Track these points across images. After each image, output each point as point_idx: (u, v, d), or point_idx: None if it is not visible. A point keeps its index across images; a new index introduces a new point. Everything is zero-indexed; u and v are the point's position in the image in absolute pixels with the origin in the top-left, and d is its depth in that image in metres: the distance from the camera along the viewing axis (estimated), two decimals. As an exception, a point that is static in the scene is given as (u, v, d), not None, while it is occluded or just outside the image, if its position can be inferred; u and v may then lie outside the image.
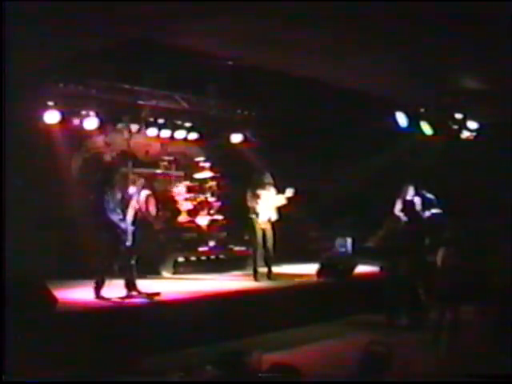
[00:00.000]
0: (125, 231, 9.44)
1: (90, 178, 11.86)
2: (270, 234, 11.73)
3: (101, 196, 9.44)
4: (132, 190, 9.86)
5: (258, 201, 11.59)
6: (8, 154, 8.10)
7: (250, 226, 11.77)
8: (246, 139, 15.10)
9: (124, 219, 9.50)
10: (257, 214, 11.60)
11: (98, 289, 9.31)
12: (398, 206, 12.95)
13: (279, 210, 11.87)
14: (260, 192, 11.63)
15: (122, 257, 9.52)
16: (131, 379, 7.32)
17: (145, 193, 11.81)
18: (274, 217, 11.79)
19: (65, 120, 11.80)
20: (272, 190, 11.80)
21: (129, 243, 9.49)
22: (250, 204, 11.62)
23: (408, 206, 11.64)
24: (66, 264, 11.20)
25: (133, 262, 9.60)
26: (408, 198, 12.94)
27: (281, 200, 11.79)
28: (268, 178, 11.82)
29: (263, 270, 11.96)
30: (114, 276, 9.58)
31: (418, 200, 12.96)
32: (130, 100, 12.56)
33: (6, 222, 7.82)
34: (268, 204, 11.67)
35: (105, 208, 9.34)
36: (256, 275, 11.77)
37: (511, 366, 7.52)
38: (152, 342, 8.17)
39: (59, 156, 11.84)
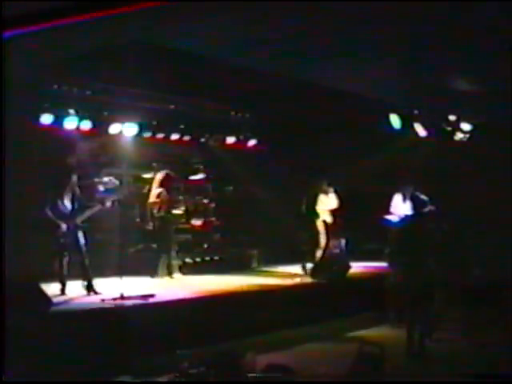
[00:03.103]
0: (64, 230, 9.57)
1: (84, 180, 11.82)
2: (324, 234, 13.25)
3: (49, 196, 9.74)
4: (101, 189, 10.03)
5: (318, 205, 13.20)
6: (4, 156, 8.10)
7: (310, 228, 13.33)
8: (240, 141, 15.14)
9: (68, 219, 9.63)
10: (315, 217, 13.22)
11: (61, 287, 9.62)
12: (395, 203, 13.03)
13: (332, 212, 13.32)
14: (319, 197, 13.21)
15: (72, 256, 9.72)
16: (126, 380, 7.34)
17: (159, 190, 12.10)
18: (329, 219, 13.29)
19: (59, 122, 11.80)
20: (329, 196, 13.30)
21: (78, 243, 9.69)
22: (309, 208, 13.22)
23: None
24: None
25: (86, 261, 9.75)
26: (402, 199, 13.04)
27: (334, 204, 13.29)
28: (325, 185, 13.26)
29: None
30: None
31: (409, 201, 13.02)
32: (124, 102, 12.56)
33: (1, 224, 7.82)
34: (325, 208, 13.24)
35: (50, 208, 9.58)
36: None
37: (511, 365, 7.61)
38: (146, 343, 8.16)
39: (54, 158, 11.82)
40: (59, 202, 9.74)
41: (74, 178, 10.06)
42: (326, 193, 13.30)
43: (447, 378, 7.60)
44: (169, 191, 12.38)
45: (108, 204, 10.18)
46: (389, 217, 13.00)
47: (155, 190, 12.24)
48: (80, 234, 9.76)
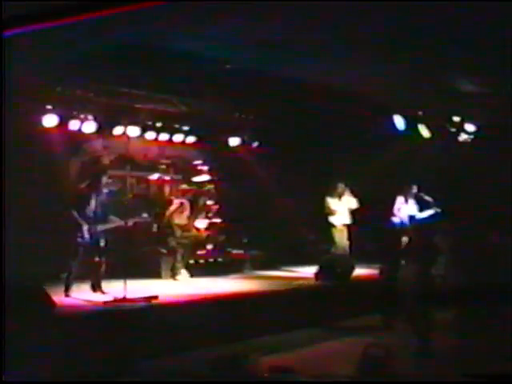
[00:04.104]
0: (85, 230, 9.68)
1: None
2: (345, 236, 13.47)
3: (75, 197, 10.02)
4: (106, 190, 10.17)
5: (335, 207, 13.42)
6: (5, 158, 8.08)
7: (329, 229, 13.60)
8: (243, 142, 15.11)
9: (91, 223, 9.74)
10: (334, 219, 13.44)
11: (66, 288, 9.64)
12: (397, 205, 12.99)
13: (353, 214, 13.58)
14: (336, 199, 13.43)
15: (84, 256, 9.82)
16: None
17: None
18: (348, 221, 13.54)
19: (63, 124, 11.78)
20: (346, 197, 13.49)
21: (98, 244, 9.85)
22: (328, 210, 13.45)
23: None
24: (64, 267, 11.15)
25: (96, 260, 9.88)
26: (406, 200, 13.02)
27: (354, 204, 13.49)
28: (342, 187, 13.46)
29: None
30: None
31: (413, 203, 12.99)
32: (128, 103, 12.54)
33: (4, 226, 7.81)
34: (343, 210, 13.45)
35: (77, 210, 9.73)
36: None
37: (511, 366, 7.59)
38: (149, 345, 8.14)
39: (57, 160, 11.80)
40: (85, 205, 9.85)
41: (104, 181, 10.25)
42: (340, 195, 13.39)
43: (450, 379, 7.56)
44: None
45: (130, 224, 10.36)
46: (392, 218, 12.95)
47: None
48: (100, 238, 9.93)
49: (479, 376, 6.91)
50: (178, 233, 12.40)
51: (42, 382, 6.93)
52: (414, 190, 13.21)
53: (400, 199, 13.22)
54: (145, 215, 11.42)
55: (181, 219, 12.45)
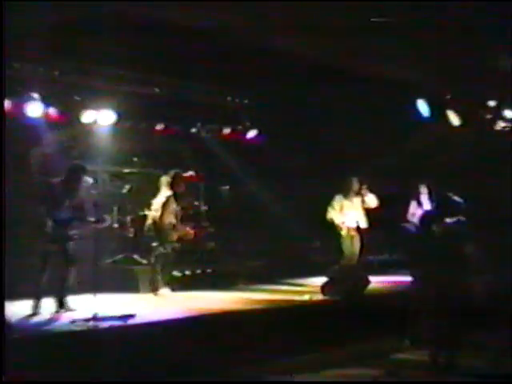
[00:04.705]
0: (53, 234, 9.64)
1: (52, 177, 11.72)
2: (357, 242, 13.26)
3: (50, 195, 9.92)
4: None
5: (346, 208, 13.18)
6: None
7: (337, 233, 13.27)
8: (238, 132, 15.06)
9: (60, 220, 9.71)
10: (345, 222, 13.18)
11: (36, 305, 9.56)
12: (412, 210, 12.96)
13: (368, 215, 13.28)
14: (347, 199, 13.19)
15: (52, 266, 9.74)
16: None
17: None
18: (363, 224, 13.27)
19: (20, 107, 11.66)
20: (360, 197, 13.24)
21: (66, 253, 9.80)
22: (337, 212, 13.17)
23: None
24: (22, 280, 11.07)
25: (70, 276, 9.86)
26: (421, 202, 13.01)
27: (373, 202, 13.25)
28: (355, 185, 13.17)
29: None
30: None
31: (430, 204, 12.96)
32: (100, 84, 12.46)
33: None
34: (356, 211, 13.20)
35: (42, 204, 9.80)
36: None
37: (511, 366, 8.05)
38: (124, 372, 8.02)
39: (15, 150, 11.65)
40: (57, 204, 9.77)
41: (84, 179, 10.28)
42: (354, 193, 13.22)
43: None
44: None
45: (106, 224, 10.44)
46: (407, 225, 12.92)
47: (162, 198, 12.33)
48: (70, 246, 9.87)
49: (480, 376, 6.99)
50: (161, 238, 12.26)
51: (42, 382, 7.11)
52: (426, 188, 13.22)
53: (413, 203, 13.19)
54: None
55: (164, 220, 12.31)
